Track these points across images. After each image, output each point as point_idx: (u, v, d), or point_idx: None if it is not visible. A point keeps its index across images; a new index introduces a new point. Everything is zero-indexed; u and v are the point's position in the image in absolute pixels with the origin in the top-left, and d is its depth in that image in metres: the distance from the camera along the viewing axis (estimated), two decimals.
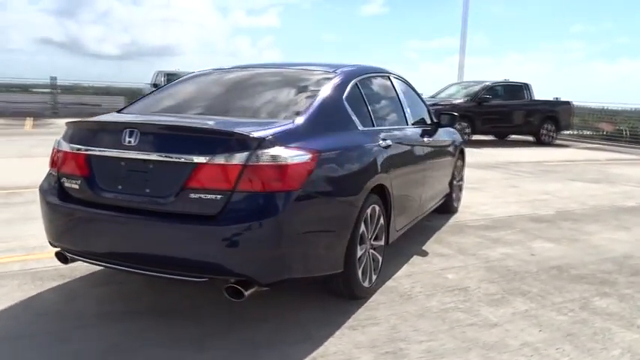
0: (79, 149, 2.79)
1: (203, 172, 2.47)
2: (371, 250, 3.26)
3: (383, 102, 3.93)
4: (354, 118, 3.23)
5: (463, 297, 3.33)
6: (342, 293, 3.10)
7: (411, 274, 3.71)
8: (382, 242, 3.41)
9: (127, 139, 2.61)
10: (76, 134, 2.87)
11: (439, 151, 4.82)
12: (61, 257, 2.91)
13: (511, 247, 4.48)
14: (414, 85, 4.77)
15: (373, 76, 3.88)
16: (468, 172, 7.49)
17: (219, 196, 2.45)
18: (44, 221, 2.95)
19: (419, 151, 4.15)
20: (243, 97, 3.24)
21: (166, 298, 3.17)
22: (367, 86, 3.62)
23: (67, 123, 2.98)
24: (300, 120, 2.82)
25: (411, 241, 4.44)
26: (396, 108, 4.06)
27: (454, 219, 5.39)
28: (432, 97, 15.74)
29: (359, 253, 3.04)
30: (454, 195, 5.52)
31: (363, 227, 3.06)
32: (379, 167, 3.25)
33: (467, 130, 13.90)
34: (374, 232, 3.26)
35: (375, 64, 4.08)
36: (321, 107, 3.00)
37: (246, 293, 2.50)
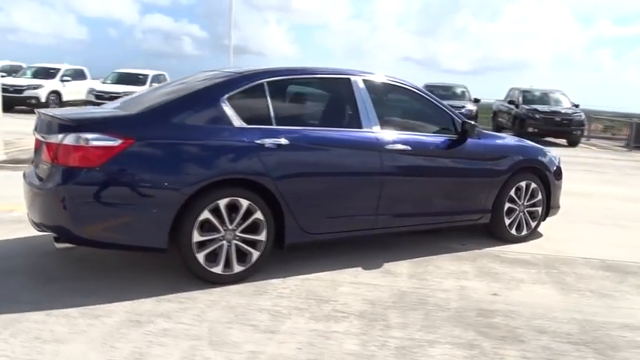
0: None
1: (45, 148, 3.26)
2: (235, 241, 3.42)
3: (312, 104, 3.89)
4: (231, 114, 3.44)
5: (304, 306, 3.20)
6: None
7: (312, 279, 3.64)
8: (262, 237, 3.50)
9: (37, 124, 3.58)
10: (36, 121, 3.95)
11: (446, 163, 4.32)
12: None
13: (487, 283, 3.75)
14: None
15: (302, 79, 3.93)
16: None
17: (46, 167, 3.21)
18: None
19: (371, 156, 3.87)
20: (159, 94, 3.79)
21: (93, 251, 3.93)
22: (282, 88, 3.71)
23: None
24: (141, 112, 3.30)
25: (393, 255, 4.20)
26: (341, 111, 3.94)
27: (498, 247, 4.61)
28: None
29: (198, 237, 3.29)
30: (509, 221, 4.70)
31: (208, 215, 3.30)
32: (247, 163, 3.40)
33: None
34: (238, 224, 3.41)
35: None
36: (177, 102, 3.40)
37: (57, 246, 3.19)
